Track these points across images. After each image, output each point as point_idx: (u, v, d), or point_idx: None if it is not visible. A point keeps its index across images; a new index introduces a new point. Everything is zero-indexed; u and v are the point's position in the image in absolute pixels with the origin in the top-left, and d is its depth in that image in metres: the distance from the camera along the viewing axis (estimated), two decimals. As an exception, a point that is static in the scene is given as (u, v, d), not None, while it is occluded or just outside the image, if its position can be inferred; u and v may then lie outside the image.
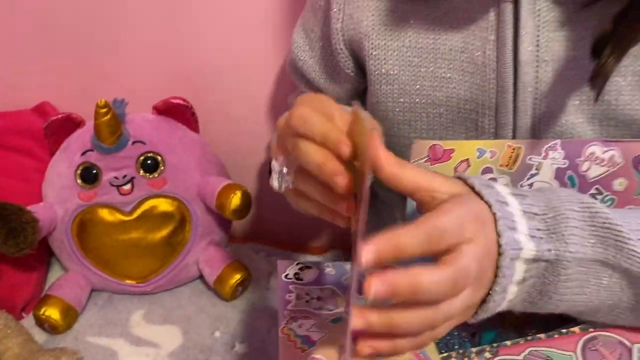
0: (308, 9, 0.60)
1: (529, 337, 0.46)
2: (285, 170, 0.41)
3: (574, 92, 0.49)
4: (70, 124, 0.72)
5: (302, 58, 0.60)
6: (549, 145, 0.50)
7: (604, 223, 0.39)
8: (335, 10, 0.55)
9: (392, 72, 0.54)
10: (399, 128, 0.55)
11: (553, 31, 0.48)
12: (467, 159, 0.50)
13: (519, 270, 0.37)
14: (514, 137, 0.52)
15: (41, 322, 0.68)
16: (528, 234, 0.37)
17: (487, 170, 0.51)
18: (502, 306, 0.39)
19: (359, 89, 0.60)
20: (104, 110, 0.65)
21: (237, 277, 0.72)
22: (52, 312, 0.68)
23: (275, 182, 0.42)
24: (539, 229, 0.38)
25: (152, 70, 0.77)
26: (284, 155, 0.41)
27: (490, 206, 0.37)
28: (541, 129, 0.51)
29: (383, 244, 0.32)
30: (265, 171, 0.83)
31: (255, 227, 0.88)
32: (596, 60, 0.44)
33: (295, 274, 0.50)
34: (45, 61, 0.78)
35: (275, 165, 0.42)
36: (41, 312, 0.68)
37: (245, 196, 0.70)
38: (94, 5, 0.73)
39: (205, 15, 0.74)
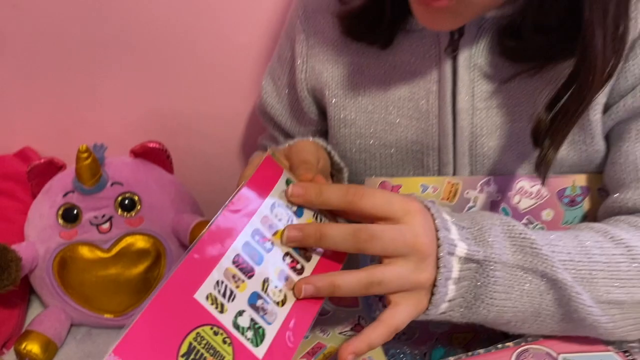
0: (275, 60, 0.67)
1: (470, 353, 0.52)
2: None
3: (506, 135, 0.57)
4: (52, 167, 0.77)
5: (270, 103, 0.67)
6: (484, 180, 0.57)
7: (520, 234, 0.46)
8: (299, 62, 0.62)
9: (349, 118, 0.60)
10: (356, 166, 0.62)
11: (486, 84, 0.55)
12: (413, 193, 0.57)
13: (455, 268, 0.43)
14: (454, 174, 0.58)
15: (22, 357, 0.71)
16: (459, 238, 0.44)
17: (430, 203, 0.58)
18: (444, 305, 0.44)
19: (321, 130, 0.67)
20: (85, 154, 0.71)
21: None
22: (33, 347, 0.71)
23: None
24: (467, 238, 0.44)
25: (129, 115, 0.83)
26: None
27: (428, 209, 0.44)
28: (478, 167, 0.58)
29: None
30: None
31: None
32: (538, 157, 0.50)
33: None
34: (25, 107, 0.84)
35: None
36: (22, 346, 0.71)
37: (218, 232, 0.75)
38: (71, 52, 0.79)
39: (180, 63, 0.80)
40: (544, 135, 0.50)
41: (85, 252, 0.75)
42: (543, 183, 0.54)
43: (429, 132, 0.58)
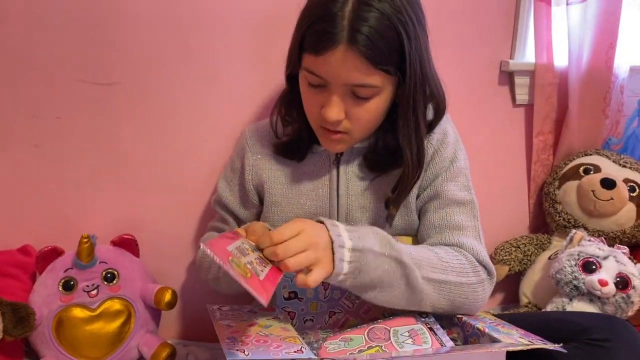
0: (228, 169, 1.04)
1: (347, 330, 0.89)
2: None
3: (367, 212, 0.95)
4: (55, 253, 1.08)
5: (225, 196, 1.03)
6: (346, 239, 0.99)
7: (383, 235, 0.80)
8: (247, 169, 0.99)
9: (277, 201, 0.98)
10: None
11: (355, 182, 0.95)
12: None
13: (347, 255, 0.74)
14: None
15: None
16: (348, 237, 0.76)
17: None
18: (341, 276, 0.74)
19: (258, 212, 1.02)
20: (86, 240, 1.04)
21: (167, 351, 1.06)
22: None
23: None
24: (351, 238, 0.76)
25: (109, 218, 1.17)
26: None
27: (322, 222, 0.77)
28: None
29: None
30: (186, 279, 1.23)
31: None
32: (387, 212, 0.90)
33: (218, 307, 0.91)
34: (22, 210, 1.12)
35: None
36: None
37: (174, 293, 1.09)
38: (65, 173, 1.11)
39: (147, 176, 1.16)
40: (390, 204, 0.91)
41: (78, 312, 1.04)
42: (390, 225, 0.92)
43: (324, 208, 0.96)
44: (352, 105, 0.82)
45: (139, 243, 1.15)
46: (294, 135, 0.95)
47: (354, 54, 0.76)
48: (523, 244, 1.37)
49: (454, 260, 0.85)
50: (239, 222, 1.04)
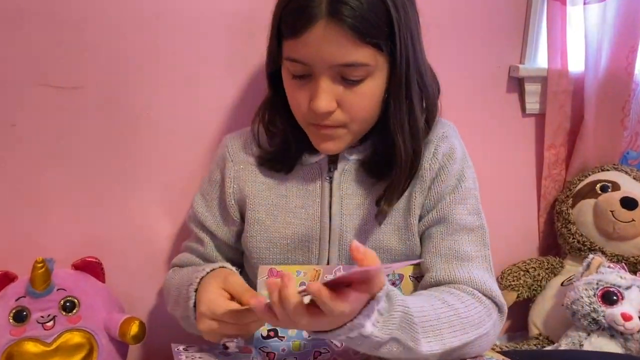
0: (206, 182, 0.93)
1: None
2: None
3: (360, 232, 0.85)
4: (6, 278, 0.95)
5: (201, 212, 0.91)
6: (336, 268, 0.86)
7: (407, 320, 0.67)
8: (228, 182, 0.88)
9: (261, 219, 0.87)
10: (262, 252, 0.87)
11: (349, 198, 0.85)
12: (293, 275, 0.85)
13: (368, 332, 0.63)
14: (329, 257, 0.86)
15: None
16: (371, 323, 0.63)
17: (302, 284, 0.85)
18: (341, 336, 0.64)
19: (238, 230, 0.91)
20: (40, 265, 0.91)
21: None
22: None
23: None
24: (377, 322, 0.65)
25: (71, 237, 1.04)
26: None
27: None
28: (343, 252, 0.86)
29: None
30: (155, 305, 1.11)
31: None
32: (378, 209, 0.81)
33: (185, 348, 0.78)
34: None
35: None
36: None
37: (142, 325, 0.96)
38: (21, 192, 1.00)
39: (115, 190, 1.04)
40: (382, 200, 0.81)
41: (30, 346, 0.92)
42: (380, 224, 0.82)
43: (314, 228, 0.85)
44: (343, 92, 0.74)
45: (105, 266, 1.02)
46: (280, 144, 0.86)
47: (337, 27, 0.69)
48: (532, 267, 1.27)
49: (471, 312, 0.75)
50: (217, 242, 0.93)
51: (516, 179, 1.34)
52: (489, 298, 0.79)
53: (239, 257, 0.94)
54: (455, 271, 0.80)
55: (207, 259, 0.93)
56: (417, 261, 0.84)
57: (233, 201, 0.89)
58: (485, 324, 0.76)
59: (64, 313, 0.95)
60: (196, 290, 0.77)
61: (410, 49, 0.74)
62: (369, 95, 0.75)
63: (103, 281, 1.03)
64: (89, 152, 1.02)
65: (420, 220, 0.84)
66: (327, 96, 0.73)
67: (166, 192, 1.07)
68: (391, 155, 0.80)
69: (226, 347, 0.79)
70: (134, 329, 0.95)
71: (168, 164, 1.06)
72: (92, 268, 1.01)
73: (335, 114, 0.75)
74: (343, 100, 0.74)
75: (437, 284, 0.81)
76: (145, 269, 1.09)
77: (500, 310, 0.80)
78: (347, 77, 0.73)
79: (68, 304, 0.95)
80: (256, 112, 0.86)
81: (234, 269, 0.83)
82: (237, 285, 0.74)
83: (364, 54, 0.71)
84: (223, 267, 0.82)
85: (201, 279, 0.78)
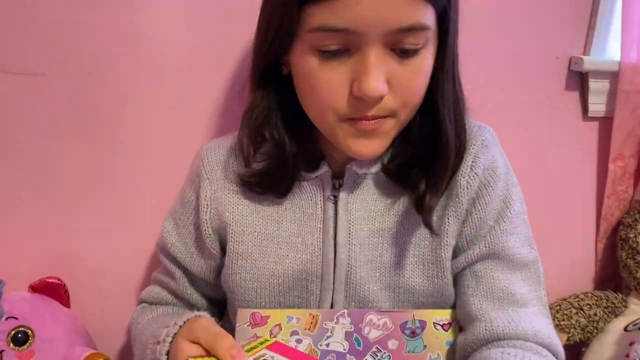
0: (178, 202, 0.77)
1: None
2: None
3: (375, 267, 0.69)
4: (-52, 302, 0.80)
5: (170, 241, 0.75)
6: (339, 313, 0.69)
7: None
8: (203, 205, 0.71)
9: (246, 251, 0.70)
10: (248, 294, 0.70)
11: (360, 224, 0.69)
12: (280, 323, 0.67)
13: None
14: (333, 298, 0.69)
15: None
16: None
17: (294, 333, 0.68)
18: None
19: (218, 265, 0.74)
20: (-16, 290, 0.76)
21: None
22: None
23: None
24: None
25: (30, 252, 0.89)
26: None
27: None
28: (351, 292, 0.69)
29: None
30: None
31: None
32: (422, 207, 0.65)
33: None
34: None
35: None
36: None
37: (108, 363, 0.80)
38: None
39: (81, 204, 0.89)
40: (427, 193, 0.65)
41: (-30, 387, 0.77)
42: (429, 225, 0.66)
43: (314, 262, 0.69)
44: (395, 68, 0.58)
45: (70, 288, 0.87)
46: (274, 159, 0.67)
47: None
48: (588, 305, 1.08)
49: None
50: (191, 277, 0.77)
51: (571, 195, 1.16)
52: (554, 355, 0.67)
53: (220, 295, 0.77)
54: (516, 321, 0.66)
55: (179, 297, 0.76)
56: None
57: (210, 230, 0.72)
58: None
59: (13, 347, 0.79)
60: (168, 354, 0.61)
61: (456, 30, 0.62)
62: (424, 71, 0.60)
63: (67, 305, 0.87)
64: (50, 149, 0.86)
65: (456, 254, 0.70)
66: (380, 74, 0.57)
67: (144, 200, 0.90)
68: (430, 145, 0.65)
69: None
70: (97, 368, 0.79)
71: (146, 165, 0.90)
72: (53, 290, 0.85)
73: (386, 99, 0.59)
74: (394, 79, 0.58)
75: (496, 338, 0.66)
76: (122, 293, 0.93)
77: None
78: (402, 47, 0.57)
79: (20, 335, 0.80)
80: (242, 119, 0.68)
81: (209, 317, 0.66)
82: (201, 330, 0.58)
83: (427, 15, 0.57)
84: (199, 316, 0.65)
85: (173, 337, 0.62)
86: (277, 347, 0.60)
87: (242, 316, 0.67)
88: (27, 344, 0.80)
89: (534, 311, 0.69)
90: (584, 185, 1.16)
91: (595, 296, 1.11)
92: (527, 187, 0.75)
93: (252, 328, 0.68)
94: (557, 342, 0.68)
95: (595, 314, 1.08)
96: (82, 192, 0.88)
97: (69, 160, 0.86)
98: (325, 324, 0.69)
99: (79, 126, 0.85)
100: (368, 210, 0.69)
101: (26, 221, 0.88)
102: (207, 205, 0.71)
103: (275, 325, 0.68)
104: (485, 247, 0.68)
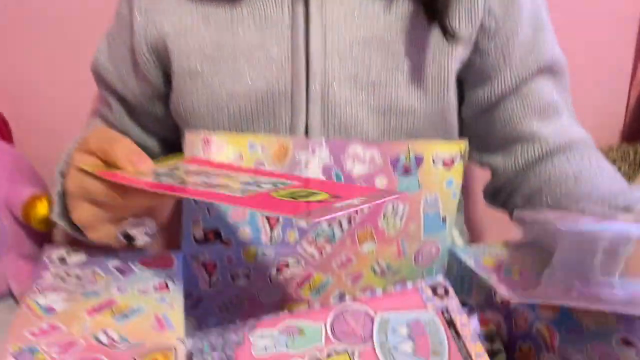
0: (114, 19, 0.64)
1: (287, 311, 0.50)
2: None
3: (360, 86, 0.57)
4: None
5: (101, 62, 0.64)
6: (315, 142, 0.56)
7: None
8: (137, 16, 0.59)
9: (194, 69, 0.59)
10: (204, 123, 0.60)
11: (339, 30, 0.56)
12: (240, 152, 0.55)
13: None
14: (307, 123, 0.59)
15: None
16: None
17: (259, 164, 0.55)
18: None
19: (159, 92, 0.64)
20: None
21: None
22: None
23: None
24: None
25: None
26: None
27: None
28: (329, 116, 0.58)
29: None
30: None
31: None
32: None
33: (61, 258, 0.51)
34: None
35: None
36: None
37: (52, 205, 0.70)
38: None
39: (29, 32, 0.75)
40: None
41: None
42: (444, 27, 0.56)
43: (281, 79, 0.57)
44: None
45: (16, 120, 0.77)
46: None
47: None
48: (612, 159, 0.97)
49: None
50: (128, 108, 0.66)
51: (610, 31, 1.00)
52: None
53: (175, 135, 0.66)
54: (562, 133, 0.64)
55: (121, 131, 0.64)
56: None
57: (145, 47, 0.60)
58: None
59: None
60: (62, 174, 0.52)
61: None
62: None
63: (10, 141, 0.77)
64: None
65: (465, 62, 0.60)
66: None
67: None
68: None
69: (130, 239, 0.48)
70: (41, 210, 0.69)
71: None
72: (-9, 123, 0.74)
73: None
74: None
75: (553, 152, 0.63)
76: (70, 124, 0.80)
77: None
78: None
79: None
80: None
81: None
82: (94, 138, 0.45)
83: None
84: None
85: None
86: (197, 161, 0.49)
87: (192, 142, 0.54)
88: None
89: (567, 116, 0.66)
90: (625, 22, 1.00)
91: (623, 150, 1.01)
92: (562, 22, 0.68)
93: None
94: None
95: (620, 169, 0.98)
96: (21, 12, 0.74)
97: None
98: (298, 155, 0.56)
99: None
100: (351, 11, 0.55)
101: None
102: (141, 15, 0.59)
103: (235, 154, 0.56)
104: (534, 62, 0.62)
